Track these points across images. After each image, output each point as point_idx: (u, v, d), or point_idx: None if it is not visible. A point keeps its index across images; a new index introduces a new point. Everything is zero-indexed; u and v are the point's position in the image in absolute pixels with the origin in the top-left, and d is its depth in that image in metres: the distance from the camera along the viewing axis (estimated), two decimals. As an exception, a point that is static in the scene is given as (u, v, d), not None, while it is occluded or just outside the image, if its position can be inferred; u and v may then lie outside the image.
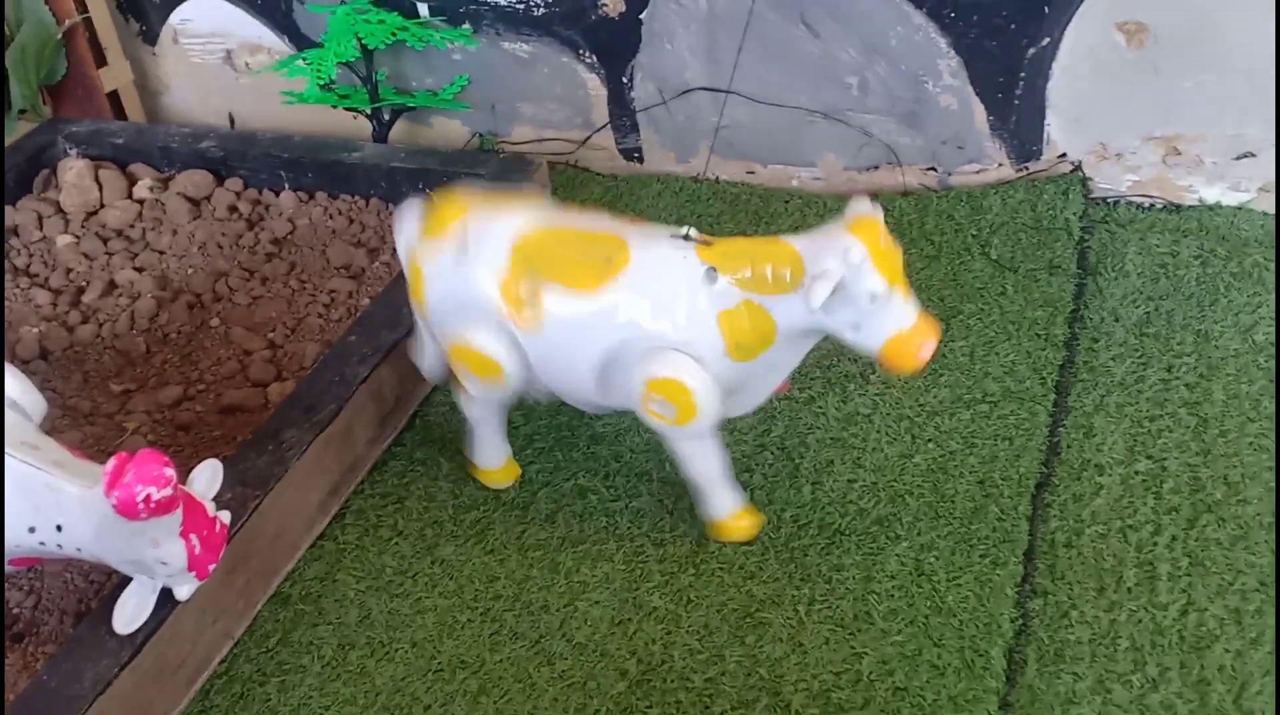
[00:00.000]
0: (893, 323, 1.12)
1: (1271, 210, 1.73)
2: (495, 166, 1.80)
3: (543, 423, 1.50)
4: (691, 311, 1.17)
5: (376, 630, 1.26)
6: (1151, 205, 1.79)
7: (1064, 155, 1.79)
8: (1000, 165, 1.83)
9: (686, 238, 1.20)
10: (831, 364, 1.53)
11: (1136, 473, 1.35)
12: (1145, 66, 1.68)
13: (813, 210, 1.84)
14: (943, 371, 1.50)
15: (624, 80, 1.93)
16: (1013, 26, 1.70)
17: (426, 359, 1.39)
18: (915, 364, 1.13)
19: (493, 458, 1.40)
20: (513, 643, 1.23)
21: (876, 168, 1.89)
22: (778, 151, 1.93)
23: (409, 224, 1.28)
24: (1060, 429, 1.42)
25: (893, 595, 1.23)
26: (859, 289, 1.10)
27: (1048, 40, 1.70)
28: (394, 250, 1.77)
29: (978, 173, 1.84)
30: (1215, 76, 1.66)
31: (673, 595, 1.26)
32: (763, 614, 1.22)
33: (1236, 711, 1.09)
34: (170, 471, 1.05)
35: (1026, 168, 1.82)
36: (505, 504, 1.40)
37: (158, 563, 1.12)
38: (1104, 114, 1.74)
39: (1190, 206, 1.77)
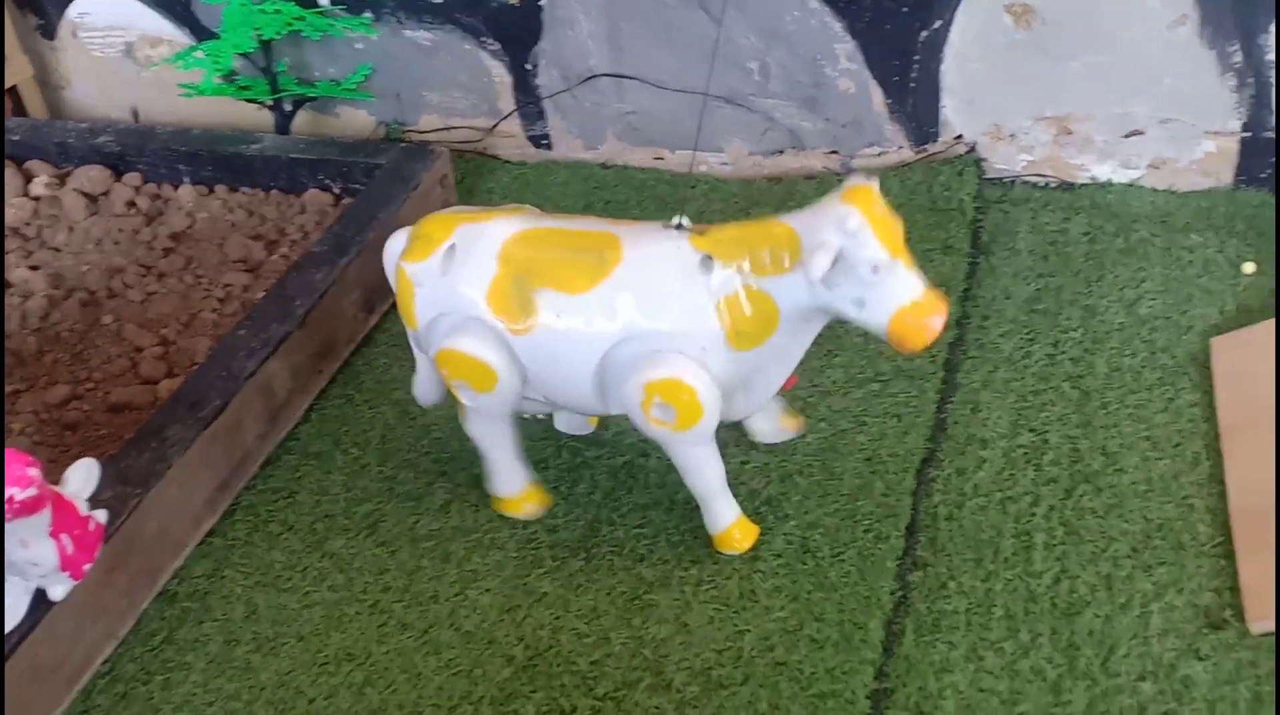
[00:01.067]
0: (898, 296, 1.07)
1: (1160, 186, 1.77)
2: (396, 155, 1.79)
3: (441, 413, 1.50)
4: (689, 302, 1.14)
5: (263, 625, 1.25)
6: (1046, 184, 1.82)
7: (960, 137, 1.82)
8: (900, 148, 1.85)
9: (679, 227, 1.17)
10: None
11: (1019, 446, 1.38)
12: (1034, 48, 1.71)
13: (718, 195, 1.85)
14: (837, 352, 1.52)
15: (528, 67, 1.93)
16: (905, 10, 1.72)
17: (420, 382, 1.35)
18: (925, 339, 1.08)
19: (510, 482, 1.32)
20: (400, 634, 1.23)
21: (781, 152, 1.90)
22: (685, 137, 1.94)
23: (396, 248, 1.26)
24: (948, 405, 1.44)
25: (778, 573, 1.24)
26: (859, 258, 1.06)
27: (939, 23, 1.72)
28: (292, 242, 1.77)
29: (878, 155, 1.86)
30: (1101, 56, 1.69)
31: (563, 580, 1.26)
32: (650, 596, 1.23)
33: (1103, 674, 1.12)
34: (34, 472, 1.04)
35: (925, 149, 1.84)
36: (399, 496, 1.39)
37: (28, 564, 1.10)
38: (996, 95, 1.77)
39: (1083, 184, 1.81)
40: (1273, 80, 1.64)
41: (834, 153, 1.88)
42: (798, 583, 1.23)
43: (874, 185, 1.09)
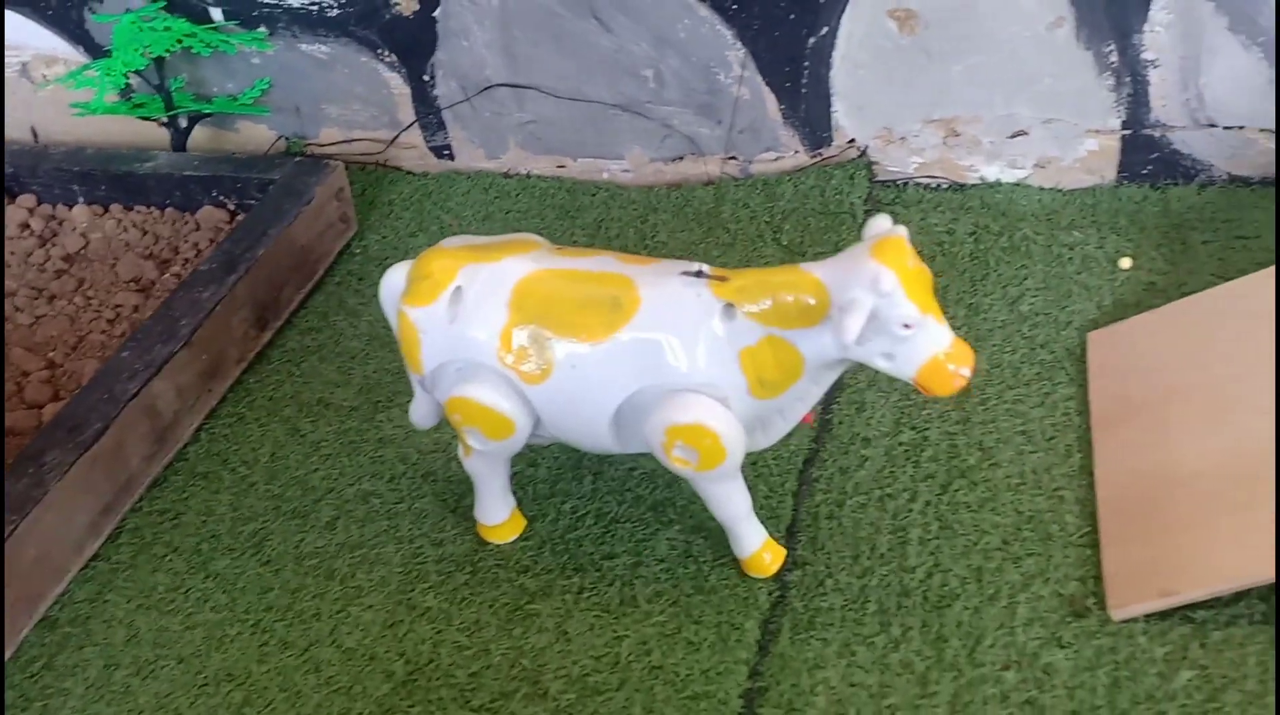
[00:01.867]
0: (927, 349, 1.07)
1: (1047, 184, 1.82)
2: (289, 170, 1.78)
3: (330, 429, 1.50)
4: (710, 352, 1.11)
5: (143, 649, 1.24)
6: (938, 185, 1.86)
7: (853, 141, 1.85)
8: (796, 153, 1.87)
9: (699, 274, 1.13)
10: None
11: (900, 444, 1.40)
12: (918, 52, 1.74)
13: (617, 203, 1.86)
14: (726, 356, 1.54)
15: (425, 79, 1.93)
16: (792, 17, 1.75)
17: (418, 407, 1.30)
18: (953, 389, 1.08)
19: (499, 512, 1.31)
20: (281, 653, 1.23)
21: (681, 158, 1.92)
22: (586, 145, 1.95)
23: (395, 285, 1.21)
24: (834, 406, 1.47)
25: (659, 578, 1.26)
26: (891, 317, 1.05)
27: (826, 30, 1.75)
28: (185, 260, 1.76)
29: (775, 160, 1.89)
30: (982, 59, 1.72)
31: (447, 594, 1.27)
32: (532, 606, 1.24)
33: (969, 665, 1.14)
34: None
35: (820, 154, 1.87)
36: (285, 514, 1.39)
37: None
38: (885, 99, 1.80)
39: (973, 185, 1.84)
40: (1149, 78, 1.69)
41: (733, 158, 1.90)
42: (679, 587, 1.24)
43: (904, 236, 1.07)
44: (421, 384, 1.25)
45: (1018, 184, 1.83)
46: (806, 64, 1.78)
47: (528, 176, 1.97)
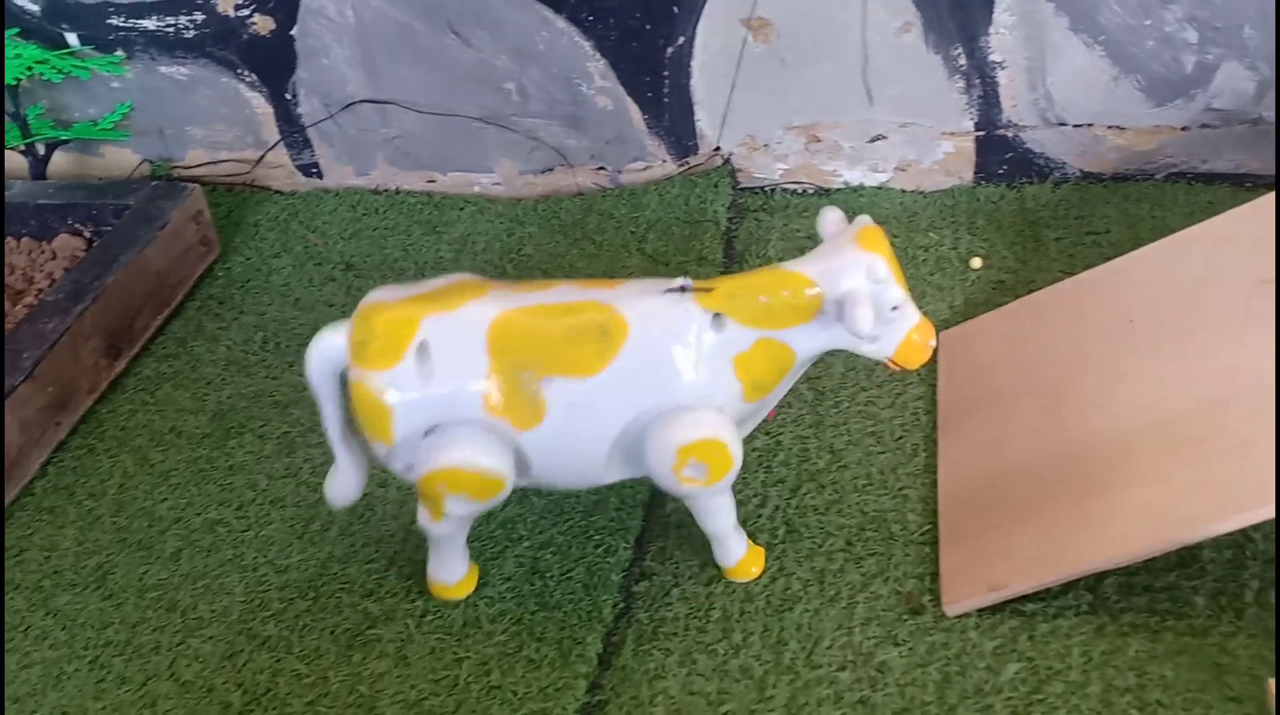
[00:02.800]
0: (904, 328, 1.12)
1: (909, 187, 1.84)
2: (145, 194, 1.75)
3: (181, 458, 1.48)
4: (706, 365, 1.10)
5: (-28, 693, 1.21)
6: (803, 191, 1.88)
7: (718, 149, 1.86)
8: (664, 162, 1.88)
9: (682, 289, 1.12)
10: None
11: (754, 450, 1.41)
12: (774, 59, 1.76)
13: (484, 217, 1.86)
14: (584, 369, 1.54)
15: (288, 97, 1.91)
16: (648, 27, 1.75)
17: (340, 480, 1.19)
18: (925, 358, 1.13)
19: (458, 570, 1.24)
20: (118, 688, 1.20)
21: (551, 170, 1.92)
22: (455, 159, 1.94)
23: (330, 350, 1.11)
24: (690, 415, 1.48)
25: (504, 597, 1.25)
26: (883, 302, 1.09)
27: (682, 39, 1.76)
28: (39, 291, 1.72)
29: (644, 170, 1.90)
30: (836, 65, 1.74)
31: (288, 622, 1.25)
32: (374, 631, 1.23)
33: (807, 667, 1.15)
34: None
35: (687, 162, 1.88)
36: (130, 546, 1.36)
37: None
38: (746, 107, 1.81)
39: (837, 189, 1.87)
40: (998, 79, 1.72)
41: (602, 169, 1.90)
42: (522, 605, 1.24)
43: (877, 226, 1.12)
44: (350, 444, 1.16)
45: (880, 188, 1.86)
46: (666, 74, 1.79)
47: (397, 192, 1.95)
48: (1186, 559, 1.19)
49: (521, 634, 1.21)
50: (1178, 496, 1.13)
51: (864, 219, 1.13)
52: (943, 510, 1.30)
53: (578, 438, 1.12)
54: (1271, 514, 1.06)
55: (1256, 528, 1.19)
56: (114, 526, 1.39)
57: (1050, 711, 1.08)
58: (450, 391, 1.08)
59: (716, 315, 1.11)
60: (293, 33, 1.84)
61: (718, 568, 1.26)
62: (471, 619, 1.23)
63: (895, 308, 1.10)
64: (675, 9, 1.72)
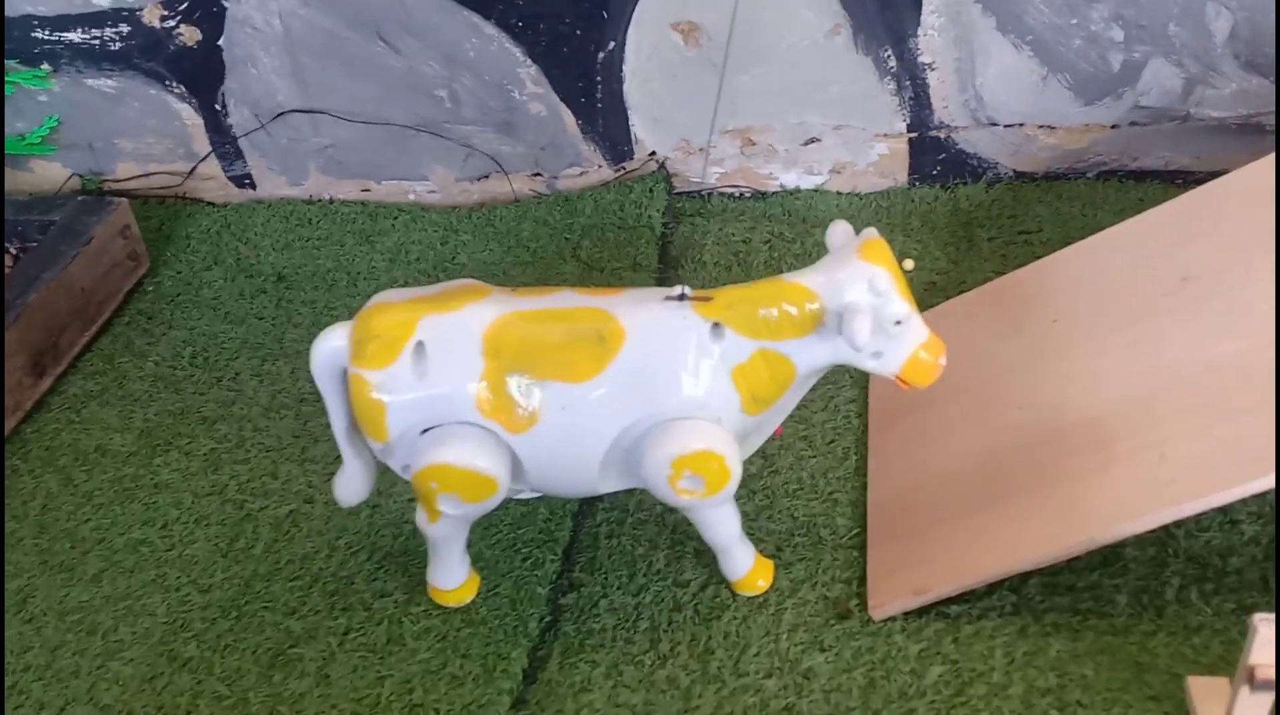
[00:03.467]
0: (910, 344, 1.09)
1: (844, 189, 1.85)
2: (70, 210, 1.72)
3: (106, 477, 1.45)
4: (703, 374, 1.09)
5: (-117, 725, 1.18)
6: (741, 194, 1.87)
7: (653, 154, 1.86)
8: (599, 167, 1.87)
9: (681, 297, 1.10)
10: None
11: (685, 458, 1.41)
12: (705, 64, 1.75)
13: (418, 226, 1.84)
14: (516, 378, 1.53)
15: (217, 108, 1.89)
16: (579, 33, 1.74)
17: (347, 481, 1.20)
18: (934, 378, 1.11)
19: (458, 575, 1.24)
20: (36, 714, 1.19)
21: (487, 177, 1.91)
22: (389, 168, 1.92)
23: (333, 349, 1.13)
24: (622, 423, 1.47)
25: (429, 614, 1.23)
26: (885, 316, 1.07)
27: (613, 44, 1.75)
28: (-40, 309, 1.68)
29: (580, 175, 1.89)
30: (767, 69, 1.74)
31: (210, 642, 1.23)
32: (296, 650, 1.21)
33: (733, 675, 1.15)
34: None
35: (623, 167, 1.87)
36: (52, 569, 1.34)
37: None
38: (679, 111, 1.81)
39: (774, 193, 1.86)
40: (928, 81, 1.72)
41: (537, 175, 1.89)
42: (448, 621, 1.22)
43: (881, 239, 1.10)
44: (355, 445, 1.16)
45: (816, 190, 1.86)
46: (599, 79, 1.78)
47: (330, 202, 1.93)
48: (1110, 557, 1.20)
49: (446, 650, 1.19)
50: (1098, 496, 1.13)
51: (870, 232, 1.11)
52: (871, 514, 1.30)
53: (571, 443, 1.11)
54: (1188, 511, 1.07)
55: (1179, 525, 1.20)
56: (36, 549, 1.36)
57: (972, 714, 1.08)
58: (444, 392, 1.09)
59: (715, 325, 1.10)
60: (220, 43, 1.81)
61: (646, 576, 1.26)
62: (395, 636, 1.22)
63: (898, 322, 1.08)
64: (605, 14, 1.72)
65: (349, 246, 1.82)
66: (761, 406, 1.13)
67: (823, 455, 1.39)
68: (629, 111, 1.81)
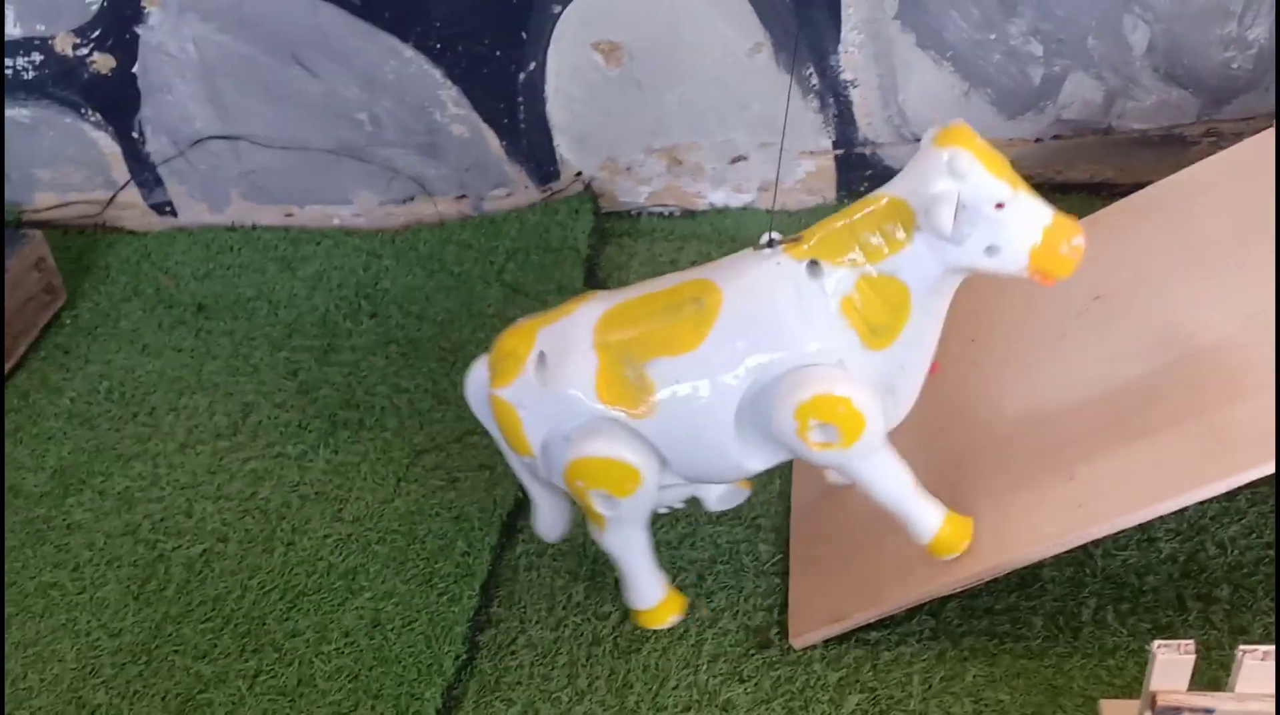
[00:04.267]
0: (1030, 229, 0.98)
1: (775, 207, 1.84)
2: (-18, 243, 1.68)
3: (17, 518, 1.41)
4: (810, 316, 1.03)
5: None
6: (670, 213, 1.86)
7: (580, 174, 1.84)
8: (526, 188, 1.86)
9: (770, 244, 1.06)
10: (332, 414, 1.51)
11: (608, 485, 1.39)
12: (629, 83, 1.74)
13: (341, 251, 1.81)
14: (438, 407, 1.51)
15: (135, 136, 1.85)
16: (498, 53, 1.73)
17: (542, 516, 1.21)
18: (1072, 265, 0.99)
19: (653, 590, 1.20)
20: (-69, 773, 1.15)
21: (412, 199, 1.88)
22: (312, 192, 1.89)
23: (480, 379, 1.14)
24: (545, 450, 1.45)
25: (342, 653, 1.21)
26: (980, 199, 0.97)
27: (534, 65, 1.73)
28: None
29: (507, 197, 1.87)
30: (691, 87, 1.73)
31: (119, 688, 1.20)
32: (205, 695, 1.18)
33: (651, 709, 1.13)
34: None
35: (550, 188, 1.85)
36: (-44, 617, 1.30)
37: None
38: (605, 131, 1.79)
39: (703, 211, 1.86)
40: (851, 98, 1.72)
41: (463, 196, 1.87)
42: (360, 661, 1.20)
43: (962, 122, 1.01)
44: (533, 471, 1.16)
45: (745, 208, 1.85)
46: (521, 99, 1.77)
47: (253, 228, 1.90)
48: (1028, 578, 1.19)
49: (358, 691, 1.17)
50: (1009, 520, 1.12)
51: (954, 121, 1.02)
52: (794, 540, 1.29)
53: (696, 416, 1.07)
54: (1096, 534, 1.06)
55: (1096, 544, 1.21)
56: (-62, 597, 1.33)
57: (889, 743, 1.08)
58: (566, 392, 1.09)
59: (812, 263, 1.05)
60: (134, 70, 1.78)
61: (565, 610, 1.24)
62: (306, 677, 1.19)
63: (1000, 205, 0.97)
64: (524, 34, 1.70)
65: (270, 274, 1.79)
66: (885, 338, 1.05)
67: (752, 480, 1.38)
68: (553, 131, 1.80)
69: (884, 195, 1.03)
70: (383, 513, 1.36)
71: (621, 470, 1.09)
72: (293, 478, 1.42)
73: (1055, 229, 0.99)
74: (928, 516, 1.10)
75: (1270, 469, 0.98)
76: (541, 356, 1.10)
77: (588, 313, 1.10)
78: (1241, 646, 0.86)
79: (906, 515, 1.10)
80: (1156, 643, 0.89)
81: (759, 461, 1.10)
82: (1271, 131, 1.31)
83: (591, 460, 1.09)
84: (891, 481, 1.09)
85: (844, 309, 1.04)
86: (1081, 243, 0.99)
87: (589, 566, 1.29)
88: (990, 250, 1.00)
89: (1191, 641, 0.88)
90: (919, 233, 1.00)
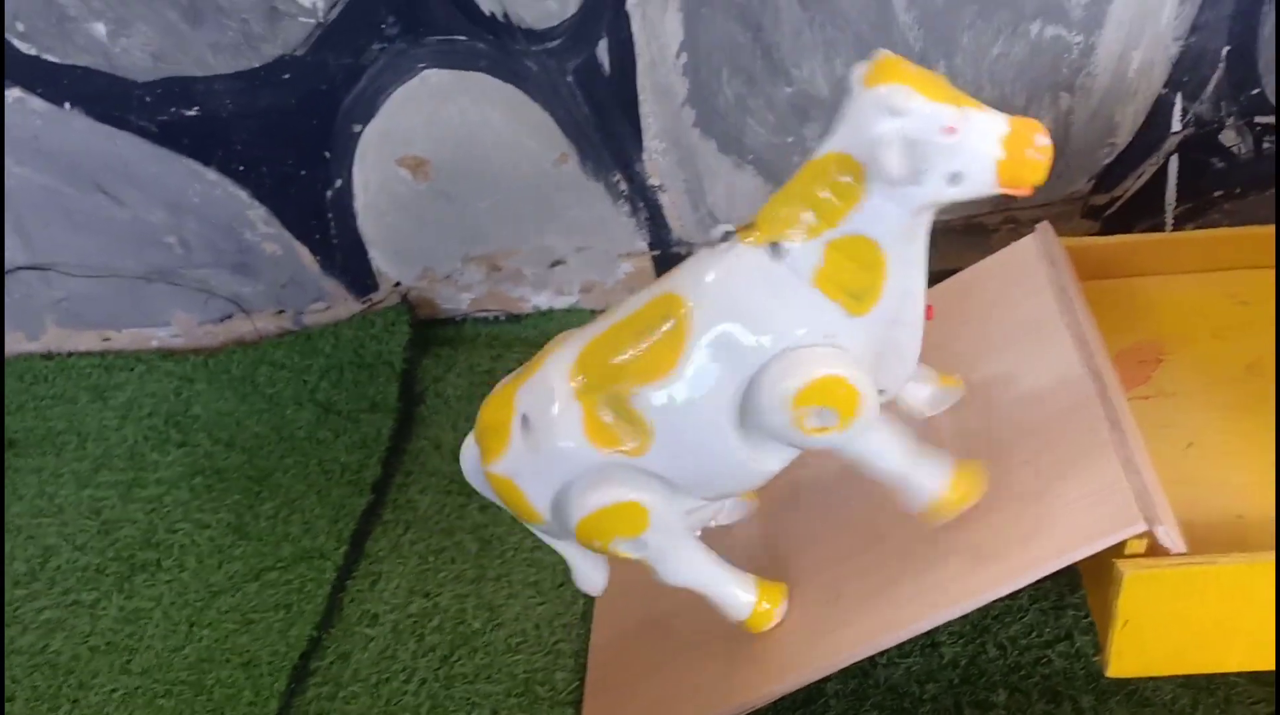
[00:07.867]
0: (988, 142, 0.91)
1: (597, 306, 1.85)
2: None
3: None
4: (787, 301, 0.96)
5: None
6: (495, 318, 1.86)
7: (399, 285, 1.83)
8: (345, 300, 1.84)
9: (725, 237, 0.99)
10: (131, 556, 1.46)
11: (409, 616, 1.37)
12: (438, 195, 1.75)
13: (153, 377, 1.76)
14: (239, 542, 1.47)
15: (-65, 268, 1.80)
16: (303, 173, 1.72)
17: (579, 571, 1.16)
18: (1042, 168, 0.92)
19: (744, 596, 1.11)
20: None
21: (230, 316, 1.86)
22: (128, 316, 1.85)
23: (474, 456, 1.08)
24: (348, 582, 1.42)
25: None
26: (927, 129, 0.90)
27: (340, 182, 1.73)
28: None
29: (326, 310, 1.85)
30: (502, 197, 1.75)
31: None
32: None
33: None
34: None
35: (370, 299, 1.84)
36: None
37: None
38: (419, 241, 1.79)
39: (528, 314, 1.86)
40: (660, 202, 1.75)
41: (282, 311, 1.85)
42: (133, 830, 1.16)
43: (888, 54, 0.95)
44: (553, 536, 1.11)
45: (569, 309, 1.86)
46: (331, 216, 1.76)
47: (69, 355, 1.85)
48: (813, 694, 1.19)
49: None
50: (784, 638, 1.13)
51: (877, 53, 0.97)
52: (591, 663, 1.28)
53: (697, 436, 1.01)
54: (862, 655, 1.07)
55: (884, 654, 1.21)
56: None
57: None
58: (557, 447, 1.02)
59: (772, 245, 0.98)
60: (-73, 202, 1.74)
61: None
62: None
63: (950, 129, 0.92)
64: (327, 154, 1.70)
65: (81, 404, 1.74)
66: (869, 300, 0.98)
67: (551, 600, 1.36)
68: (366, 245, 1.79)
69: (826, 152, 0.97)
70: (172, 662, 1.32)
71: (625, 510, 1.04)
72: (84, 628, 1.37)
73: (1015, 136, 0.93)
74: (931, 476, 1.05)
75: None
76: (525, 419, 1.05)
77: (559, 362, 1.05)
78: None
79: (907, 481, 1.04)
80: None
81: (775, 461, 1.05)
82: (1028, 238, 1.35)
83: (593, 516, 1.04)
84: (889, 451, 1.03)
85: (818, 283, 0.98)
86: (1046, 141, 0.94)
87: (382, 708, 1.26)
88: (954, 178, 0.93)
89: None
90: (873, 183, 0.95)
